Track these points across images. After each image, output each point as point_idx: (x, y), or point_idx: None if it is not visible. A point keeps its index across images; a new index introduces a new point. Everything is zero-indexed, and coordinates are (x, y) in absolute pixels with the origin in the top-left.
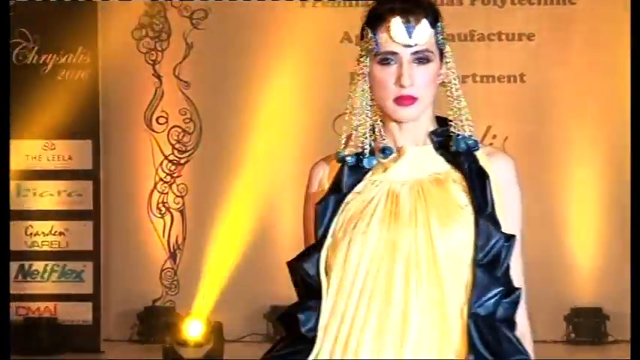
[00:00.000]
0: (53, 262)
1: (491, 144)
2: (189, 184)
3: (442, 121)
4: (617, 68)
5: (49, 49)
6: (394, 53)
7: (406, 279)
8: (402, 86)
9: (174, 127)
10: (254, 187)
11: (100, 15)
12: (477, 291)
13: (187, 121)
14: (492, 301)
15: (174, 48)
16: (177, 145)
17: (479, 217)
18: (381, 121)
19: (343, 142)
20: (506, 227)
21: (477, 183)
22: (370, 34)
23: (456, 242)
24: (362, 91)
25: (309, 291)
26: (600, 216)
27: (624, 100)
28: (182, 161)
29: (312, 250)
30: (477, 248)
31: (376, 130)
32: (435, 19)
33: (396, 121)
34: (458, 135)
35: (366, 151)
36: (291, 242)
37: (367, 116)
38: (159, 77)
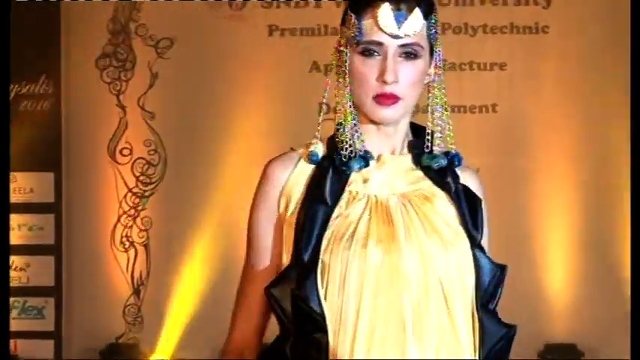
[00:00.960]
0: (13, 299)
1: None
2: (154, 218)
3: (416, 129)
4: (591, 98)
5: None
6: (379, 44)
7: (417, 317)
8: (384, 82)
9: (138, 158)
10: (221, 220)
11: (63, 44)
12: (487, 340)
13: (152, 152)
14: (498, 347)
15: (138, 78)
16: (141, 178)
17: (474, 249)
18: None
19: (315, 141)
20: (485, 240)
21: (467, 206)
22: (354, 20)
23: (456, 271)
24: (343, 85)
25: (308, 323)
26: (574, 251)
27: (598, 131)
28: (146, 194)
29: (302, 273)
30: (479, 287)
31: (354, 131)
32: (429, 10)
33: (373, 122)
34: (439, 150)
35: (352, 154)
36: None
37: (351, 114)
38: (123, 108)
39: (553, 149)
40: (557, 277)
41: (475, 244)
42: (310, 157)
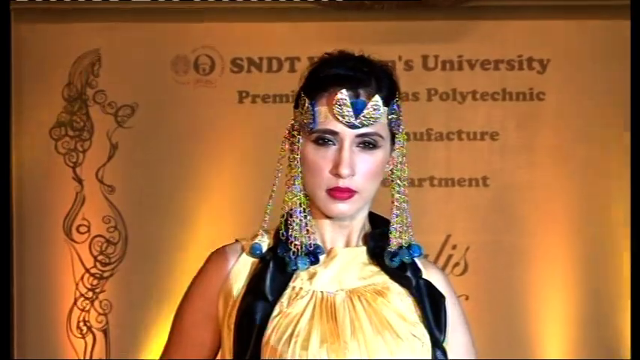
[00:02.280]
0: None
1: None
2: (114, 301)
3: (374, 219)
4: (590, 170)
5: None
6: (334, 133)
7: None
8: (338, 176)
9: (96, 236)
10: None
11: (13, 111)
12: None
13: (111, 229)
14: None
15: (96, 148)
16: (100, 257)
17: (435, 348)
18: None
19: (261, 232)
20: (464, 340)
21: (429, 303)
22: (307, 105)
23: None
24: (294, 173)
25: None
26: (571, 331)
27: (597, 206)
28: (106, 275)
29: None
30: None
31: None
32: (390, 95)
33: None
34: (401, 246)
35: (299, 251)
36: None
37: (301, 205)
38: (80, 181)
39: (549, 225)
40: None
41: (437, 345)
42: (252, 251)
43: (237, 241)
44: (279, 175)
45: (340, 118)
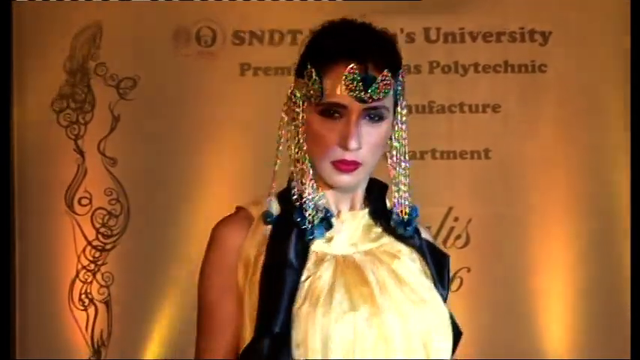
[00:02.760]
0: None
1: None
2: (116, 273)
3: (371, 183)
4: (593, 142)
5: None
6: (343, 106)
7: None
8: (345, 148)
9: (98, 209)
10: (189, 276)
11: (15, 84)
12: None
13: (113, 202)
14: None
15: (98, 121)
16: (102, 230)
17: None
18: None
19: (270, 198)
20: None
21: (432, 262)
22: (315, 76)
23: (435, 331)
24: (299, 140)
25: None
26: (575, 304)
27: (599, 177)
28: (107, 247)
29: (274, 347)
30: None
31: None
32: (397, 66)
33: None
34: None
35: (315, 219)
36: None
37: (310, 174)
38: (81, 153)
39: (552, 197)
40: (558, 335)
41: (447, 306)
42: (266, 217)
43: (240, 208)
44: (287, 141)
45: (350, 93)
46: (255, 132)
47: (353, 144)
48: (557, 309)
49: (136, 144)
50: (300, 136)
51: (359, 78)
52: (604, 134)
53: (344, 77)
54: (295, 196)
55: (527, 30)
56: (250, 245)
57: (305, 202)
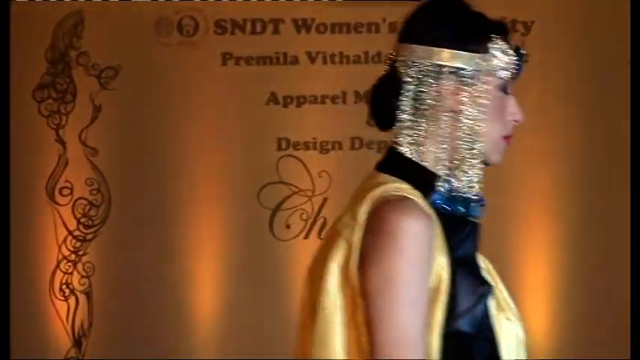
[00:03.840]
0: None
1: None
2: (97, 263)
3: None
4: (574, 132)
5: None
6: (513, 81)
7: None
8: (516, 122)
9: (79, 199)
10: (170, 266)
11: None
12: None
13: (94, 192)
14: None
15: (80, 110)
16: (82, 220)
17: None
18: None
19: (441, 182)
20: None
21: None
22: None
23: None
24: (476, 118)
25: None
26: (558, 290)
27: (580, 167)
28: (88, 237)
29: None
30: None
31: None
32: None
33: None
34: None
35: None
36: (212, 322)
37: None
38: (63, 143)
39: (534, 187)
40: (540, 322)
41: None
42: (435, 202)
43: (406, 197)
44: (447, 120)
45: (518, 69)
46: (237, 121)
47: (523, 117)
48: (539, 294)
49: (118, 134)
50: (474, 111)
51: (523, 54)
52: (586, 125)
53: (516, 54)
54: (450, 183)
55: (509, 20)
56: (434, 237)
57: (469, 187)
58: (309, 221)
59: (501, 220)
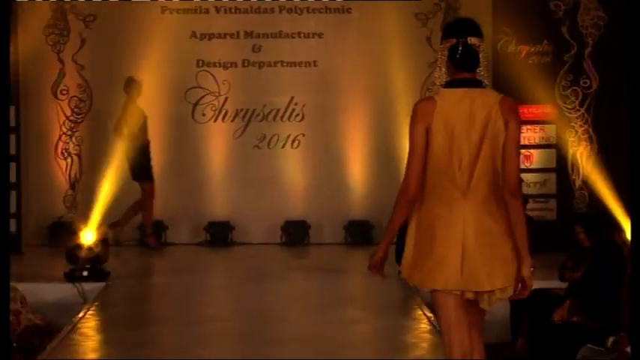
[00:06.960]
0: None
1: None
2: (85, 136)
3: None
4: (379, 59)
5: None
6: None
7: None
8: None
9: (73, 96)
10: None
11: (19, 17)
12: None
13: (82, 92)
14: None
15: (72, 42)
16: (75, 109)
17: None
18: None
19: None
20: None
21: None
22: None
23: None
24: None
25: None
26: (370, 156)
27: (384, 81)
28: (79, 121)
29: None
30: None
31: None
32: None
33: None
34: None
35: None
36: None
37: None
38: (62, 62)
39: (354, 92)
40: (357, 175)
41: None
42: None
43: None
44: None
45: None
46: (171, 48)
47: None
48: (356, 157)
49: (97, 56)
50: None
51: None
52: (383, 52)
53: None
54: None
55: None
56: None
57: None
58: (216, 111)
59: (334, 113)
